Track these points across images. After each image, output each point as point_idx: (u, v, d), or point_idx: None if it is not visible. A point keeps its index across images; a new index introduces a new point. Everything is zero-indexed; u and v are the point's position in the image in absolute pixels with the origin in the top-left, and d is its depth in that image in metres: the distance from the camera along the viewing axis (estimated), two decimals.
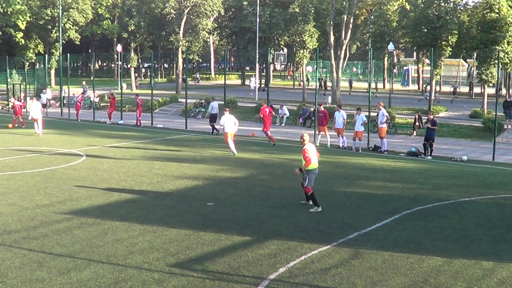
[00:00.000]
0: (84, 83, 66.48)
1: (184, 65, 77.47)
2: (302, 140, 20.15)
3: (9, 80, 63.82)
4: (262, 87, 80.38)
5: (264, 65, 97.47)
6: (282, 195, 22.00)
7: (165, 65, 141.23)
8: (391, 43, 66.69)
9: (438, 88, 75.38)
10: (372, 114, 38.81)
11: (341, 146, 35.69)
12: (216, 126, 38.20)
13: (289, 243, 15.86)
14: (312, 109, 44.39)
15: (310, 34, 65.15)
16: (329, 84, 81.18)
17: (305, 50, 66.21)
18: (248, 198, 21.07)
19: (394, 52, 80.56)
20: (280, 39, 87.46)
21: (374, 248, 15.58)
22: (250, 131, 42.32)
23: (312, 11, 69.96)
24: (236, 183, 24.16)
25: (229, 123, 32.56)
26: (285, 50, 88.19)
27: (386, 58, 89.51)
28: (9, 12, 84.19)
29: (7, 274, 13.49)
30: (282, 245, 15.71)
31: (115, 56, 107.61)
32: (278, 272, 13.73)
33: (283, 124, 48.47)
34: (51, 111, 58.25)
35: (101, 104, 62.43)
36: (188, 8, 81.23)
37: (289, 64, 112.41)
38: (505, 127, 44.20)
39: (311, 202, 20.07)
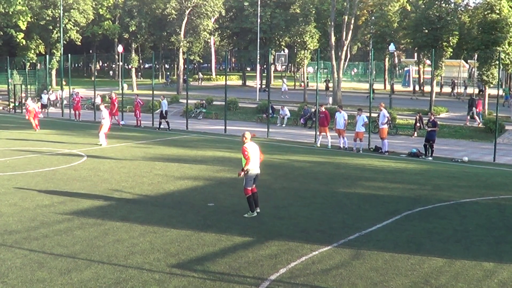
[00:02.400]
0: (74, 89, 65.94)
1: (185, 66, 77.48)
2: (243, 138, 19.05)
3: (10, 80, 63.85)
4: (263, 88, 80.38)
5: (265, 66, 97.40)
6: (282, 196, 22.01)
7: (166, 66, 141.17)
8: (392, 44, 66.56)
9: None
10: (373, 115, 38.78)
11: (342, 146, 35.68)
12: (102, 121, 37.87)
13: (289, 244, 15.87)
14: (313, 109, 44.38)
15: (311, 35, 65.06)
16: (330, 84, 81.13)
17: (306, 51, 66.12)
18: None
19: (395, 53, 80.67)
20: (281, 39, 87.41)
21: (375, 249, 15.59)
22: (252, 132, 42.24)
23: (313, 11, 70.00)
24: (237, 183, 24.07)
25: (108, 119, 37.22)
26: (286, 50, 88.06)
27: (387, 59, 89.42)
28: (10, 13, 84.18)
29: (7, 274, 13.52)
30: (283, 246, 15.72)
31: (116, 57, 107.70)
32: (279, 272, 13.74)
33: (284, 125, 48.44)
34: (52, 112, 58.28)
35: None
36: (189, 9, 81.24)
37: (290, 64, 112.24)
38: (468, 124, 45.14)
39: (258, 209, 19.15)
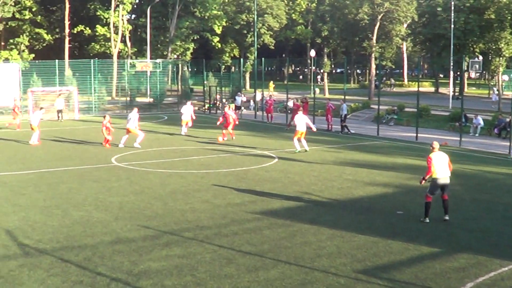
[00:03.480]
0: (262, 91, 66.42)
1: (377, 71, 77.11)
2: (431, 148, 19.14)
3: (205, 82, 66.35)
4: (456, 96, 78.43)
5: (458, 73, 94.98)
6: (473, 208, 21.41)
7: (358, 71, 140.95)
8: None
9: None
10: None
11: None
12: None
13: (478, 258, 15.42)
14: (508, 119, 42.85)
15: (507, 42, 62.81)
16: None
17: (501, 58, 63.90)
18: (438, 208, 20.27)
19: None
20: (475, 46, 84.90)
21: None
22: (443, 140, 41.38)
23: (509, 17, 67.41)
24: None
25: (301, 123, 34.07)
26: (480, 57, 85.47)
27: None
28: (206, 17, 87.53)
29: (197, 267, 14.14)
30: (471, 259, 15.31)
31: (308, 61, 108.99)
32: (465, 286, 13.40)
33: (477, 134, 47.00)
34: (245, 113, 59.83)
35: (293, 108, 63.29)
36: (381, 14, 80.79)
37: (484, 72, 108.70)
38: None
39: (446, 217, 19.00)
